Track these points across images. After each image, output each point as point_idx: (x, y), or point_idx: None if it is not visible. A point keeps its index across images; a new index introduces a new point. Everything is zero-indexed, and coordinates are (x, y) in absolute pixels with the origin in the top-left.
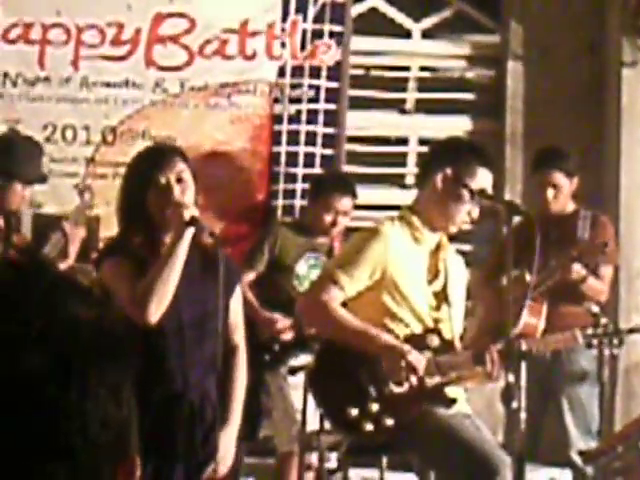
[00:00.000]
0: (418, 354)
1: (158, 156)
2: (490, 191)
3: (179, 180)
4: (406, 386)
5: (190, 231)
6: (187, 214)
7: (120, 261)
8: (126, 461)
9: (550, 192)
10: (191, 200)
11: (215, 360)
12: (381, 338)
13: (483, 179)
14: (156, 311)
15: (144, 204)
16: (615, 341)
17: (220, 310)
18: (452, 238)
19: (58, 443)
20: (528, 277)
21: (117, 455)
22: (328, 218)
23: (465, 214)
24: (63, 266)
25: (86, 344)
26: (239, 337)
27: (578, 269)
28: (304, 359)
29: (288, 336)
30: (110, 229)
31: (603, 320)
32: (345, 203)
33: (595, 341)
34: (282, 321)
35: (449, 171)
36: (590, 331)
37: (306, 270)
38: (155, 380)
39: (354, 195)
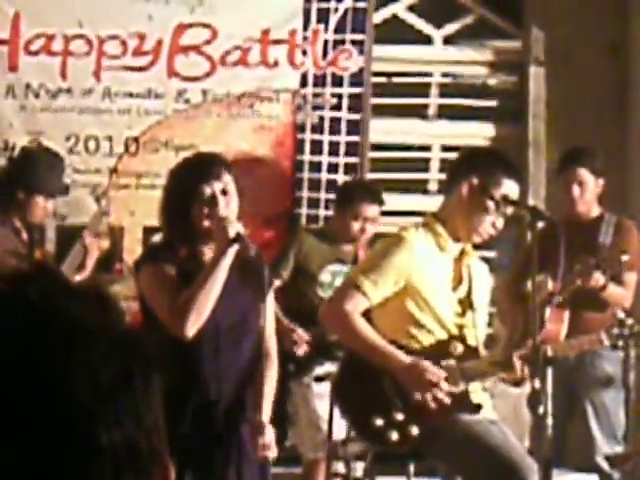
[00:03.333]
0: (435, 369)
1: (204, 167)
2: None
3: (224, 192)
4: (429, 399)
5: (234, 248)
6: (232, 230)
7: (162, 268)
8: (160, 467)
9: (576, 190)
10: (235, 213)
11: (250, 367)
12: (399, 359)
13: (509, 190)
14: (193, 326)
15: (188, 215)
16: None
17: (256, 314)
18: (476, 244)
19: (97, 445)
20: (550, 283)
21: (152, 460)
22: (356, 226)
23: (489, 225)
24: (79, 278)
25: (106, 352)
26: (272, 344)
27: (597, 277)
28: (329, 367)
29: (302, 350)
30: (134, 240)
31: (629, 321)
32: (373, 211)
33: (621, 342)
34: (299, 334)
35: (475, 181)
36: (616, 331)
37: (330, 278)
38: (190, 387)
39: (381, 203)
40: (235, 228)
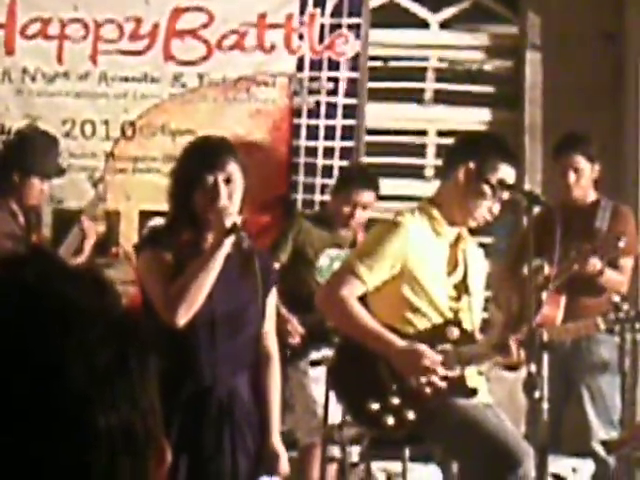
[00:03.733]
0: (433, 353)
1: (209, 154)
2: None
3: (227, 181)
4: (425, 383)
5: (230, 239)
6: (228, 221)
7: (159, 254)
8: (157, 450)
9: (572, 176)
10: (238, 202)
11: (246, 357)
12: (395, 344)
13: (505, 175)
14: (184, 315)
15: (190, 201)
16: (638, 326)
17: (254, 306)
18: (472, 230)
19: (93, 430)
20: (547, 268)
21: (148, 442)
22: (346, 210)
23: (486, 210)
24: (78, 261)
25: (102, 334)
26: (272, 342)
27: (594, 262)
28: (325, 352)
29: (295, 340)
30: (130, 224)
31: (625, 306)
32: (367, 197)
33: (617, 327)
34: (294, 324)
35: (472, 165)
36: (612, 316)
37: (328, 263)
38: (184, 373)
39: (376, 189)
40: (232, 219)
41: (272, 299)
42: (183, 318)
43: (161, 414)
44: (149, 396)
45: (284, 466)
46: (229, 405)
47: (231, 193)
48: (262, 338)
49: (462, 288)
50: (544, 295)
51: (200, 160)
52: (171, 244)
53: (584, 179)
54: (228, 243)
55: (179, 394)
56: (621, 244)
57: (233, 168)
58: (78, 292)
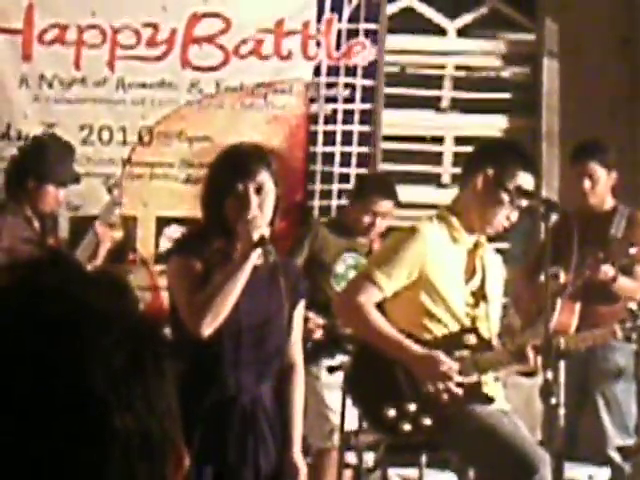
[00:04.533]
0: (449, 360)
1: (241, 163)
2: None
3: (259, 190)
4: (441, 390)
5: (256, 252)
6: (256, 234)
7: (190, 262)
8: (174, 454)
9: (587, 183)
10: (269, 212)
11: (271, 366)
12: (410, 349)
13: (524, 182)
14: (210, 325)
15: (222, 210)
16: None
17: (281, 318)
18: (489, 236)
19: (110, 433)
20: (563, 275)
21: (165, 446)
22: (366, 219)
23: (504, 218)
24: (92, 267)
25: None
26: (297, 354)
27: (606, 270)
28: (340, 359)
29: (318, 335)
30: (147, 230)
31: None
32: (385, 206)
33: (634, 335)
34: (313, 320)
35: (490, 172)
36: (629, 324)
37: (344, 270)
38: (209, 382)
39: (394, 198)
40: (260, 231)
41: (300, 311)
42: (208, 328)
43: (180, 420)
44: (166, 400)
45: None
46: (253, 414)
47: (262, 202)
48: (288, 349)
49: (480, 295)
50: (559, 302)
51: (232, 168)
52: (202, 252)
53: (600, 186)
54: (254, 256)
55: (203, 403)
56: (632, 251)
57: (264, 177)
58: (95, 295)
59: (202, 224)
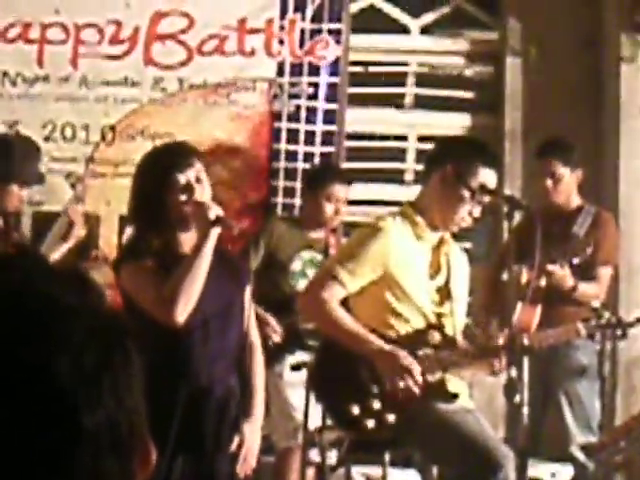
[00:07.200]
0: (410, 358)
1: (176, 156)
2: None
3: (197, 180)
4: (403, 387)
5: (216, 231)
6: (212, 214)
7: (140, 264)
8: (141, 448)
9: (549, 181)
10: (209, 199)
11: (237, 354)
12: (375, 343)
13: (486, 178)
14: (184, 311)
15: (162, 205)
16: (618, 332)
17: (239, 303)
18: (452, 235)
19: (79, 429)
20: (526, 273)
21: (133, 441)
22: (329, 208)
23: (466, 213)
24: (65, 247)
25: (87, 332)
26: (255, 336)
27: (565, 280)
28: (300, 356)
29: (276, 339)
30: (110, 228)
31: (606, 313)
32: (344, 192)
33: (598, 333)
34: (273, 324)
35: (450, 169)
36: (593, 322)
37: (301, 267)
38: (180, 374)
39: (350, 183)
40: (215, 211)
41: (248, 295)
42: (182, 314)
43: (149, 414)
44: (134, 395)
45: (252, 460)
46: (226, 404)
47: (202, 191)
48: (246, 333)
49: (445, 293)
50: (520, 302)
51: (169, 161)
52: (147, 251)
53: (563, 184)
54: (214, 235)
55: (176, 394)
56: (589, 250)
57: (200, 168)
58: (62, 291)
59: (137, 226)
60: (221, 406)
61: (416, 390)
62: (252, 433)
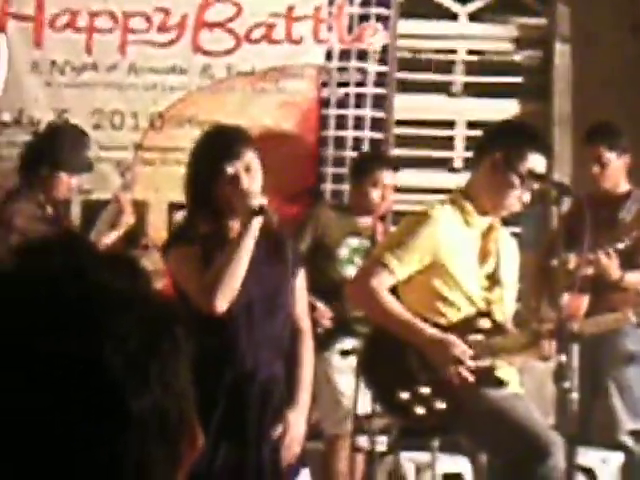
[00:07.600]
0: (463, 345)
1: (226, 145)
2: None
3: (247, 169)
4: (453, 374)
5: (258, 220)
6: (255, 203)
7: (187, 249)
8: (189, 434)
9: (596, 167)
10: (259, 188)
11: (282, 341)
12: (426, 331)
13: (535, 164)
14: (224, 300)
15: (211, 193)
16: None
17: (287, 289)
18: (502, 220)
19: (126, 415)
20: (574, 259)
21: (181, 427)
22: (376, 194)
23: (515, 199)
24: (114, 235)
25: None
26: (305, 321)
27: (611, 271)
28: (350, 342)
29: (326, 324)
30: (159, 216)
31: None
32: (391, 178)
33: None
34: (321, 310)
35: (499, 155)
36: None
37: (348, 253)
38: (225, 359)
39: (396, 170)
40: (258, 200)
41: (300, 281)
42: (223, 303)
43: (196, 399)
44: (182, 380)
45: (296, 448)
46: (270, 390)
47: (252, 180)
48: (295, 319)
49: (494, 279)
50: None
51: (217, 151)
52: (196, 237)
53: (610, 170)
54: (256, 224)
55: (221, 380)
56: (635, 235)
57: (251, 157)
58: (111, 277)
59: (189, 212)
60: (264, 392)
61: (469, 377)
62: (296, 421)
